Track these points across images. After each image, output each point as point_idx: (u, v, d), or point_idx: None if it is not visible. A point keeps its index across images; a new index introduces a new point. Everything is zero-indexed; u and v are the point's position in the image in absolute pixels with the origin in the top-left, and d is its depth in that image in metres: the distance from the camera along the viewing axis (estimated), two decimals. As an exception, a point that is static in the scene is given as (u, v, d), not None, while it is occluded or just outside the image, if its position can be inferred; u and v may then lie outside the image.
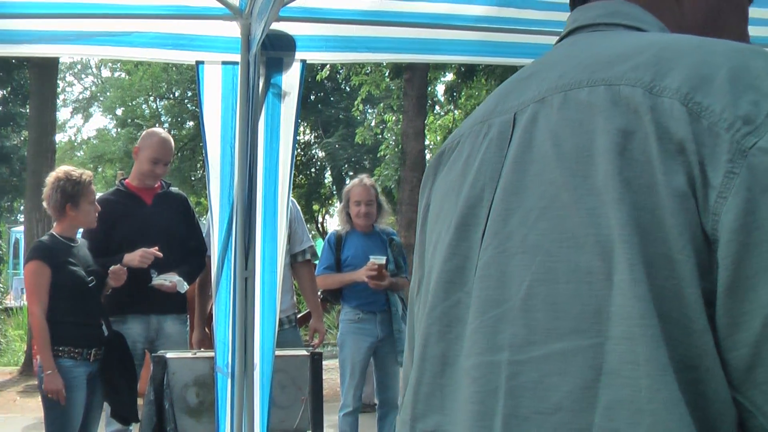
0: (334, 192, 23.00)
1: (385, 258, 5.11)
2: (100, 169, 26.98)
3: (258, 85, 3.31)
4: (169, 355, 3.68)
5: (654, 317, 0.73)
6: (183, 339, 4.69)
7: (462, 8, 3.37)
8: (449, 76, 15.61)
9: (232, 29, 3.30)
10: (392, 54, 4.02)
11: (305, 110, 20.69)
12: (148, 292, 4.44)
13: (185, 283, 4.53)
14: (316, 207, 24.38)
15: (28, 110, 17.16)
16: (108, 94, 29.82)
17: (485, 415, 0.85)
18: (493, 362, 0.86)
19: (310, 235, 5.40)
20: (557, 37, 1.06)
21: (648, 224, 0.75)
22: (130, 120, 26.38)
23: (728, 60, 0.78)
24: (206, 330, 4.93)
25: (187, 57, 3.53)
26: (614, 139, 0.79)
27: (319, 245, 6.97)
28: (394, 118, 17.10)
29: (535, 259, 0.84)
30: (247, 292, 3.34)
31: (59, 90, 27.15)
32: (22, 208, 19.51)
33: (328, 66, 15.27)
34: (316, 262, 5.46)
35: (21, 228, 18.48)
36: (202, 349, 4.64)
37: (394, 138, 16.68)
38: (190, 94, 23.53)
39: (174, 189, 5.01)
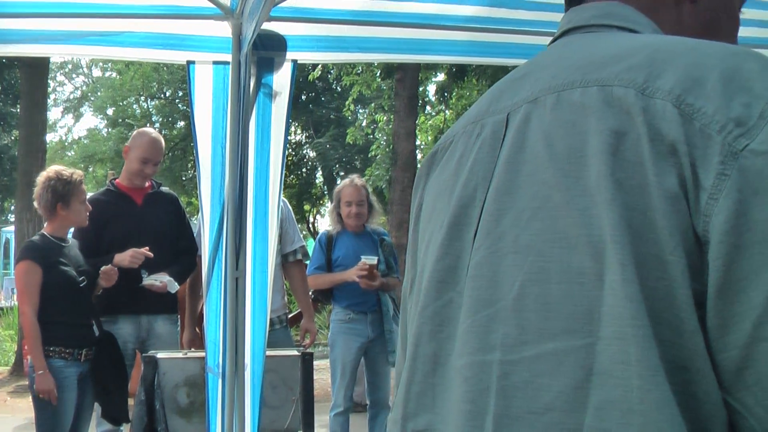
0: (325, 192, 23.00)
1: (376, 258, 5.11)
2: (90, 169, 26.86)
3: (249, 85, 3.30)
4: (160, 355, 3.67)
5: (645, 318, 0.73)
6: (174, 339, 4.68)
7: (453, 8, 3.37)
8: (440, 77, 15.64)
9: (223, 29, 3.29)
10: (383, 54, 4.01)
11: (296, 110, 20.66)
12: (138, 292, 4.43)
13: (176, 283, 4.52)
14: (307, 207, 24.37)
15: (18, 110, 17.11)
16: (99, 93, 29.73)
17: (476, 415, 0.85)
18: (485, 362, 0.86)
19: (301, 235, 5.39)
20: (548, 38, 1.06)
21: (639, 225, 0.75)
22: (121, 120, 26.30)
23: (721, 62, 0.78)
24: (197, 330, 4.91)
25: (178, 57, 3.52)
26: (607, 139, 0.79)
27: (310, 245, 6.97)
28: (385, 118, 17.09)
29: (527, 259, 0.84)
30: (237, 292, 3.33)
31: (50, 90, 27.01)
32: (12, 208, 19.46)
33: (319, 66, 15.28)
34: (308, 262, 5.45)
35: (11, 228, 18.35)
36: (192, 350, 4.63)
37: (385, 138, 16.68)
38: (181, 93, 23.52)
39: (165, 189, 4.99)
